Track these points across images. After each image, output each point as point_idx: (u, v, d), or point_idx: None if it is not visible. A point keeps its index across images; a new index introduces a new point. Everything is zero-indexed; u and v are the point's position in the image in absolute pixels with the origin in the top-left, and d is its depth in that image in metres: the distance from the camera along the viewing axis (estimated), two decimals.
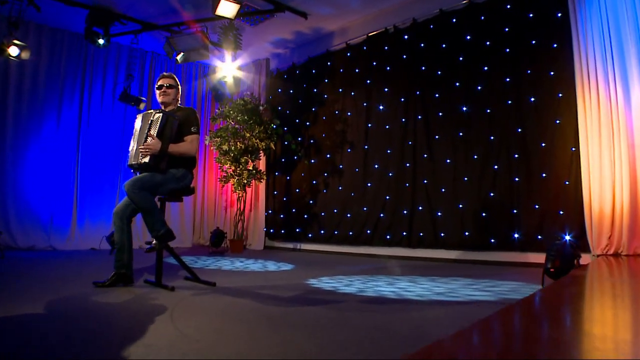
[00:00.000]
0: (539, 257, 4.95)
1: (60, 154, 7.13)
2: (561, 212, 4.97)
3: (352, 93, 7.03)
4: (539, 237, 5.07)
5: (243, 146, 7.20)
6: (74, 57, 7.25)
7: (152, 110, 3.60)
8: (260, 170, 7.49)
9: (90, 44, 6.54)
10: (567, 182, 4.97)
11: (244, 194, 7.38)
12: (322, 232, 7.14)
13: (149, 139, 3.40)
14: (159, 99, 3.80)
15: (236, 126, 7.26)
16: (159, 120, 3.45)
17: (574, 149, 4.95)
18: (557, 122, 5.08)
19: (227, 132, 7.21)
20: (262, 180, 7.56)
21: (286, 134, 7.52)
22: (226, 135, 7.22)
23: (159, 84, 3.82)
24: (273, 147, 7.35)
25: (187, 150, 3.58)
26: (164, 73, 3.90)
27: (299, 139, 7.69)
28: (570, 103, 5.00)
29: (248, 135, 7.13)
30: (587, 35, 4.79)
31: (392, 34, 6.61)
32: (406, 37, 6.43)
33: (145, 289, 3.43)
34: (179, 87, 3.89)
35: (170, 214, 8.00)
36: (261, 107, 7.54)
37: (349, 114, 7.05)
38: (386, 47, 6.65)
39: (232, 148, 7.15)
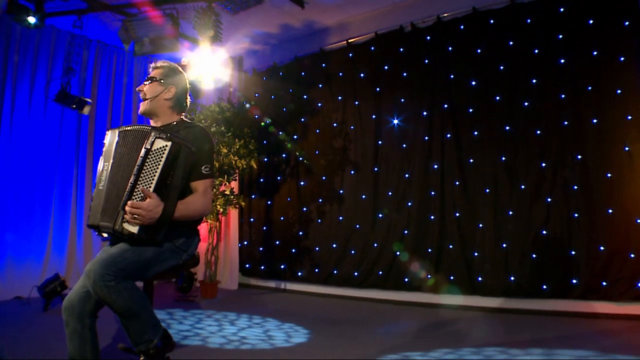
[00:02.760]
0: (604, 307, 4.48)
1: None
2: (632, 255, 4.43)
3: (356, 102, 6.15)
4: (604, 283, 4.51)
5: (217, 164, 6.05)
6: None
7: (146, 128, 2.24)
8: (237, 194, 6.36)
9: (16, 23, 5.08)
10: (638, 220, 4.44)
11: (217, 224, 6.22)
12: (317, 270, 6.17)
13: (138, 193, 2.12)
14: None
15: None
16: (163, 155, 2.13)
17: None
18: (626, 149, 4.56)
19: None
20: (237, 206, 6.43)
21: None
22: None
23: None
24: (255, 165, 6.25)
25: (201, 211, 2.35)
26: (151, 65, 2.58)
27: (283, 155, 6.67)
28: None
29: (225, 151, 5.99)
30: None
31: (409, 33, 5.83)
32: (428, 38, 5.67)
33: None
34: (174, 79, 2.52)
35: None
36: (248, 105, 6.46)
37: (351, 127, 6.16)
38: (401, 49, 5.85)
39: None
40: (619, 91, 4.63)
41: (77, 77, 6.11)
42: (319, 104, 6.46)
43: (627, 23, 4.63)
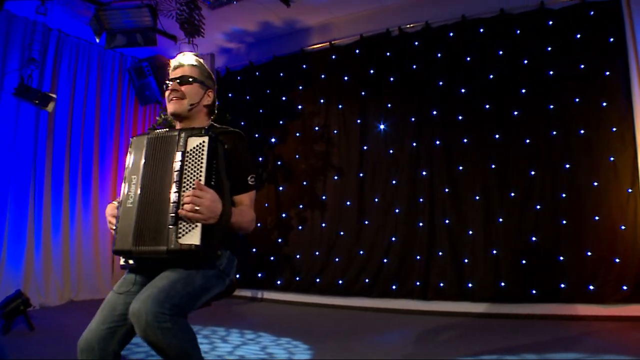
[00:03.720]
0: (591, 310, 4.69)
1: None
2: (617, 260, 4.67)
3: (340, 106, 6.06)
4: (591, 287, 4.71)
5: None
6: None
7: (173, 130, 2.02)
8: None
9: None
10: (623, 227, 4.69)
11: None
12: (298, 279, 6.02)
13: (187, 186, 1.86)
14: (168, 107, 2.24)
15: None
16: (203, 152, 1.89)
17: (630, 190, 4.70)
18: (611, 159, 4.79)
19: None
20: None
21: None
22: None
23: (170, 76, 2.25)
24: None
25: (251, 223, 2.12)
26: (182, 57, 2.26)
27: (260, 158, 6.45)
28: (625, 139, 4.78)
29: None
30: None
31: (396, 37, 5.82)
32: (416, 43, 5.68)
33: None
34: (212, 81, 2.30)
35: (81, 256, 6.11)
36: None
37: (335, 131, 6.06)
38: (388, 53, 5.82)
39: None
40: (604, 104, 4.86)
41: (37, 71, 5.53)
42: (299, 107, 6.30)
43: (612, 39, 4.87)
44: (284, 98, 6.39)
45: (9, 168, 5.47)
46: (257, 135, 6.48)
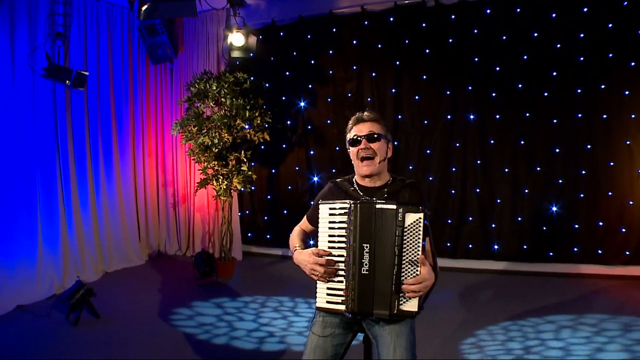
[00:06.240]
0: (598, 269, 5.65)
1: None
2: (623, 230, 5.56)
3: (373, 74, 6.16)
4: (599, 251, 5.63)
5: (231, 138, 5.67)
6: None
7: (390, 204, 2.19)
8: (245, 171, 5.88)
9: None
10: (631, 202, 5.53)
11: (230, 199, 5.96)
12: None
13: (406, 272, 2.18)
14: (362, 169, 2.40)
15: (222, 112, 5.62)
16: (420, 228, 2.14)
17: None
18: (627, 142, 5.49)
19: (213, 121, 5.55)
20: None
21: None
22: (210, 124, 5.56)
23: (353, 133, 2.42)
24: (268, 137, 5.93)
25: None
26: (364, 115, 2.43)
27: (288, 122, 6.46)
28: None
29: (242, 125, 5.62)
30: None
31: (431, 8, 5.91)
32: (453, 17, 5.80)
33: None
34: (389, 133, 2.51)
35: (109, 228, 6.01)
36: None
37: (368, 99, 6.22)
38: (424, 24, 5.90)
39: (215, 141, 5.55)
40: (626, 92, 5.47)
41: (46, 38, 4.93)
42: (330, 72, 6.29)
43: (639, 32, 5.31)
44: (312, 62, 6.33)
45: (33, 148, 5.17)
46: (284, 98, 6.45)
